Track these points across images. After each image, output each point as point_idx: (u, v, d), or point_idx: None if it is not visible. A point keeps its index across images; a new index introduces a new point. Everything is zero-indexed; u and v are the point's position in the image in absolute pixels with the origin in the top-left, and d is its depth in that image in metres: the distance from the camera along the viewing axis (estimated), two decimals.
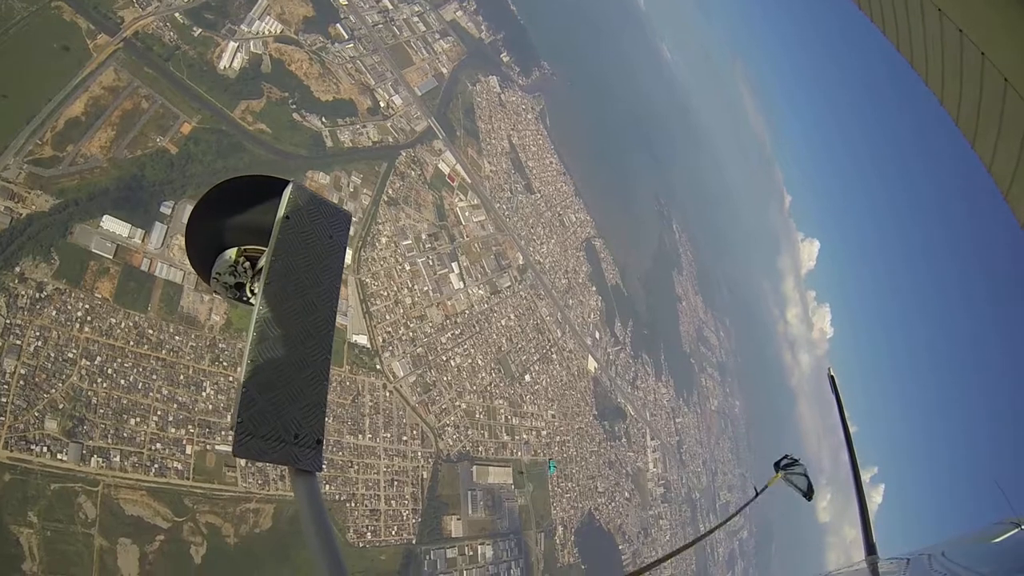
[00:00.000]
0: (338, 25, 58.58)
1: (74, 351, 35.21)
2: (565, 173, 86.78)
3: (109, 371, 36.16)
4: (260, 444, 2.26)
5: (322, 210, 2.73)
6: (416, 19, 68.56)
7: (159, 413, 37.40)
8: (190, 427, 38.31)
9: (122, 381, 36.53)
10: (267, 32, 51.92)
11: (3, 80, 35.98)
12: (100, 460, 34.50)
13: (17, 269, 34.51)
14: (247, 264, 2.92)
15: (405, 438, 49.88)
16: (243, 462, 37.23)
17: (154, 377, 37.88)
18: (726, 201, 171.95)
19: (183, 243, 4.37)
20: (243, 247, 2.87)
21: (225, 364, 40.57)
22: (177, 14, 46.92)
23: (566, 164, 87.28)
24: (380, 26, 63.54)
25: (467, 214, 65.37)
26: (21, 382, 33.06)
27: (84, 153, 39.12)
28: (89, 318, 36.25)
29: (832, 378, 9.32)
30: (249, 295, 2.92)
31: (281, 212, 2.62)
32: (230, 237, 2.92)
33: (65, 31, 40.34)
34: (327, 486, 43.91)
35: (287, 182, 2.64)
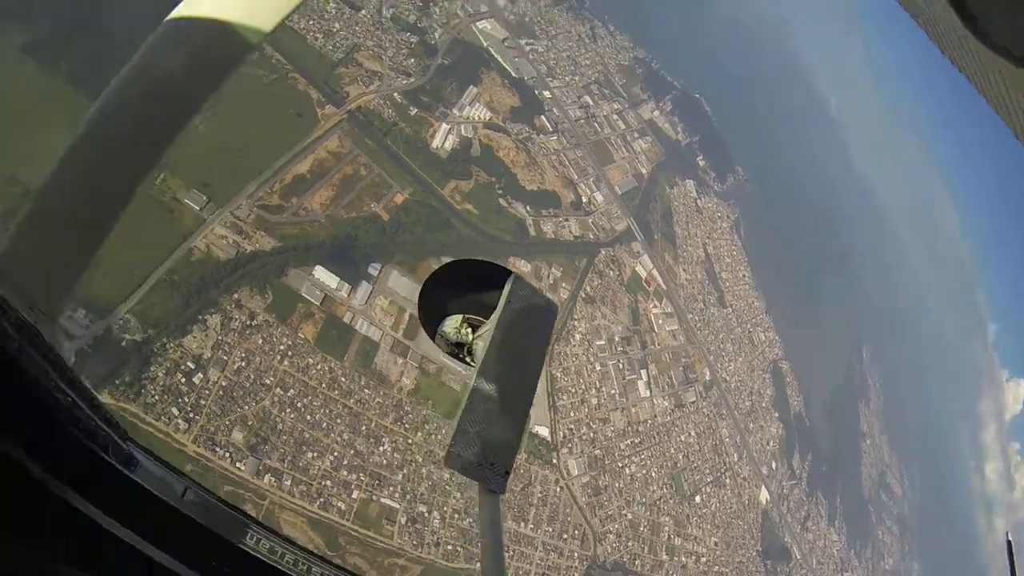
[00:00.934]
0: (543, 117, 56.96)
1: (271, 379, 38.32)
2: (757, 288, 79.19)
3: (299, 404, 38.88)
4: (464, 461, 2.63)
5: (535, 300, 3.11)
6: (616, 117, 66.18)
7: (335, 454, 39.58)
8: (361, 475, 40.14)
9: (308, 416, 39.08)
10: (477, 118, 51.06)
11: (246, 134, 40.53)
12: (272, 479, 37.10)
13: (235, 296, 38.40)
14: (468, 330, 3.29)
15: (565, 536, 48.89)
16: (403, 519, 40.47)
17: (338, 421, 40.03)
18: (920, 325, 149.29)
19: (416, 304, 3.34)
20: (467, 315, 3.30)
21: (406, 426, 42.00)
22: (396, 94, 47.49)
23: (758, 278, 79.94)
24: (582, 121, 61.43)
25: (660, 322, 60.32)
26: (220, 392, 36.49)
27: (306, 207, 42.10)
28: (290, 353, 39.19)
29: (1009, 543, 7.03)
30: (465, 356, 3.26)
31: (505, 295, 3.01)
32: (455, 305, 3.34)
33: (299, 99, 43.44)
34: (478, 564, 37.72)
35: (511, 272, 3.04)
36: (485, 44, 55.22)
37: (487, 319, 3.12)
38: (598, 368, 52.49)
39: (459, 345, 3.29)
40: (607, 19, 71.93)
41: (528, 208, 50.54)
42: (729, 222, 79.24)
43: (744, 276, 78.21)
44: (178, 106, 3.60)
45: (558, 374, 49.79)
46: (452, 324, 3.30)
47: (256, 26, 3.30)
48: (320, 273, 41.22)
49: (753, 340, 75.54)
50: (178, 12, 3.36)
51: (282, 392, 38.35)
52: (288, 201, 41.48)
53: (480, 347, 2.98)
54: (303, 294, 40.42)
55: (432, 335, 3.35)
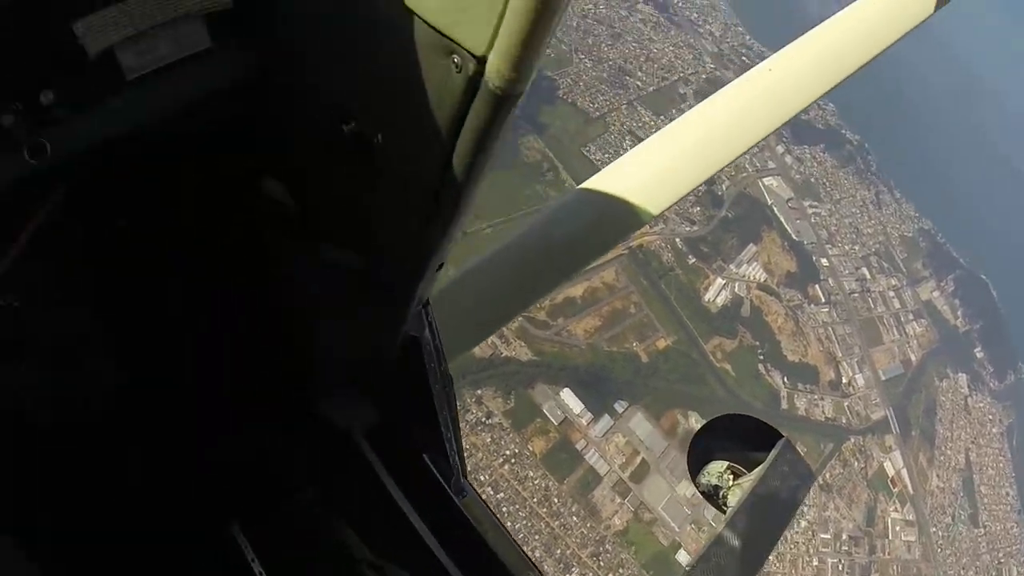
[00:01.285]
0: (817, 286, 55.13)
1: (486, 476, 39.32)
2: (1020, 512, 66.03)
3: (504, 509, 39.33)
4: None
5: (798, 468, 3.07)
6: (892, 294, 61.58)
7: None
8: None
9: (509, 522, 38.59)
10: (752, 277, 50.96)
11: None
12: None
13: (479, 392, 40.32)
14: (730, 476, 3.33)
15: None
16: None
17: (535, 536, 40.04)
18: None
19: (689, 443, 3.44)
20: (731, 464, 3.31)
21: (601, 563, 41.00)
22: (678, 240, 49.27)
23: None
24: (856, 295, 58.25)
25: (897, 528, 53.21)
26: None
27: (570, 330, 43.73)
28: (513, 460, 40.22)
29: None
30: (720, 500, 3.30)
31: (773, 455, 3.01)
32: (723, 452, 3.35)
33: None
34: None
35: (782, 436, 3.07)
36: (769, 202, 55.48)
37: (749, 472, 3.22)
38: (815, 563, 47.67)
39: (716, 488, 3.41)
40: (893, 184, 68.19)
41: (785, 379, 48.62)
42: (1001, 428, 67.80)
43: (1007, 495, 65.66)
44: (565, 265, 3.96)
45: (771, 556, 45.52)
46: (717, 468, 3.41)
47: (649, 209, 3.50)
48: (567, 395, 42.17)
49: (1002, 574, 62.29)
50: (589, 184, 3.69)
51: (492, 492, 39.26)
52: (555, 320, 43.41)
53: (737, 497, 3.09)
54: (544, 410, 41.39)
55: (695, 472, 3.48)
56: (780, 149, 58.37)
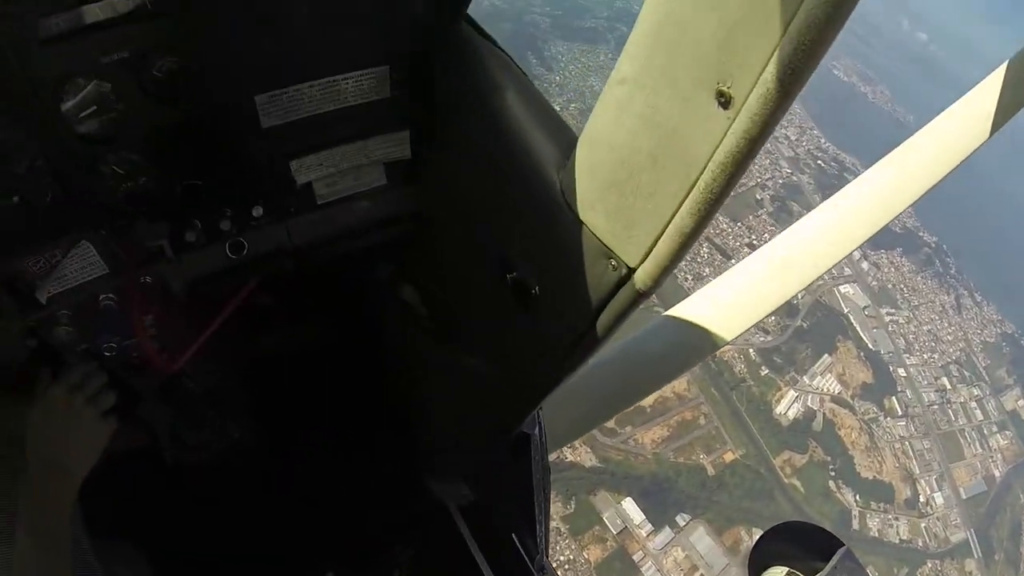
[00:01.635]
0: (894, 398, 53.60)
1: None
2: None
3: None
4: None
5: (858, 574, 2.90)
6: (974, 404, 59.11)
7: None
8: None
9: None
10: (825, 390, 50.04)
11: None
12: None
13: None
14: None
15: None
16: None
17: None
18: None
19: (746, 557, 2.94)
20: (791, 570, 3.12)
21: None
22: (751, 350, 48.90)
23: None
24: (935, 407, 56.19)
25: None
26: None
27: (636, 438, 43.33)
28: (567, 566, 39.14)
29: None
30: None
31: (833, 563, 2.83)
32: (784, 557, 3.16)
33: None
34: None
35: (843, 544, 2.90)
36: (845, 310, 55.00)
37: None
38: None
39: None
40: (974, 286, 66.39)
41: (857, 497, 46.99)
42: None
43: None
44: (646, 385, 4.16)
45: None
46: (776, 573, 3.33)
47: (723, 334, 3.61)
48: (628, 505, 41.48)
49: None
50: (673, 312, 3.90)
51: None
52: (622, 428, 43.12)
53: None
54: (604, 518, 40.75)
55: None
56: (856, 255, 57.97)
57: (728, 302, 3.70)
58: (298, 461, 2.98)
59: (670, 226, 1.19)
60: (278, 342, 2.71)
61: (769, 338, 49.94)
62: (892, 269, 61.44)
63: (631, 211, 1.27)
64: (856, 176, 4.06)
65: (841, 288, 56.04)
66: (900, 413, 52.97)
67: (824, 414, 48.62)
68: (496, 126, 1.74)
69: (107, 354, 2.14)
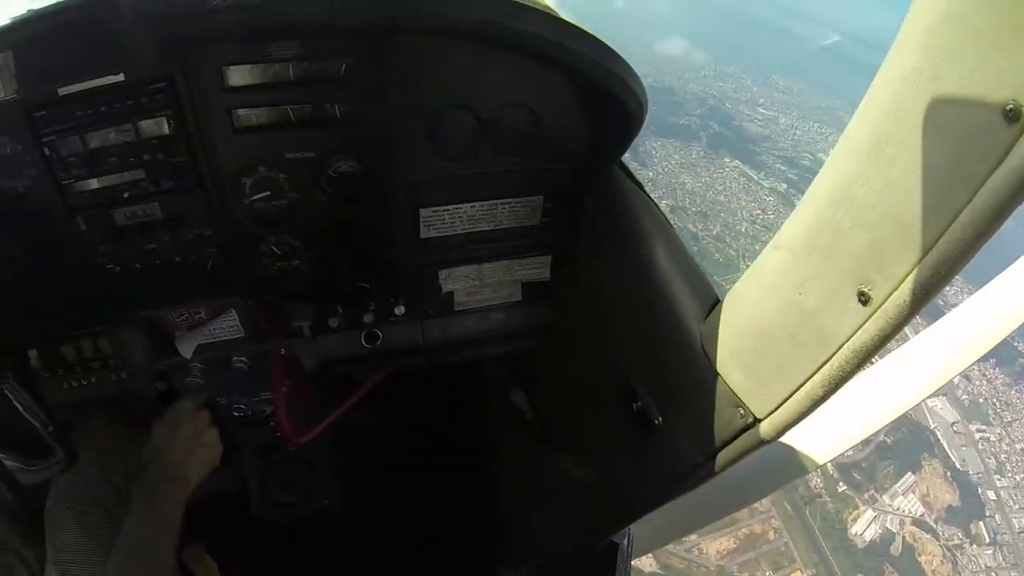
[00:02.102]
0: (981, 523, 51.63)
1: None
2: None
3: None
4: None
5: None
6: None
7: None
8: None
9: None
10: (907, 511, 49.07)
11: None
12: None
13: None
14: None
15: None
16: None
17: None
18: None
19: None
20: None
21: None
22: (829, 464, 47.43)
23: None
24: None
25: None
26: None
27: (701, 547, 42.38)
28: None
29: None
30: None
31: None
32: None
33: None
34: None
35: None
36: (932, 425, 54.10)
37: None
38: None
39: None
40: None
41: None
42: None
43: None
44: (729, 504, 4.17)
45: None
46: None
47: (816, 458, 3.51)
48: None
49: None
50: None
51: None
52: (687, 535, 41.56)
53: None
54: None
55: None
56: None
57: (825, 425, 3.59)
58: (379, 536, 2.97)
59: (801, 390, 1.26)
60: (385, 420, 2.71)
61: (850, 452, 47.89)
62: (984, 382, 59.59)
63: (766, 372, 1.35)
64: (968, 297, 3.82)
65: (929, 402, 54.89)
66: (988, 540, 50.89)
67: (904, 537, 47.61)
68: (638, 269, 1.84)
69: (235, 414, 2.35)
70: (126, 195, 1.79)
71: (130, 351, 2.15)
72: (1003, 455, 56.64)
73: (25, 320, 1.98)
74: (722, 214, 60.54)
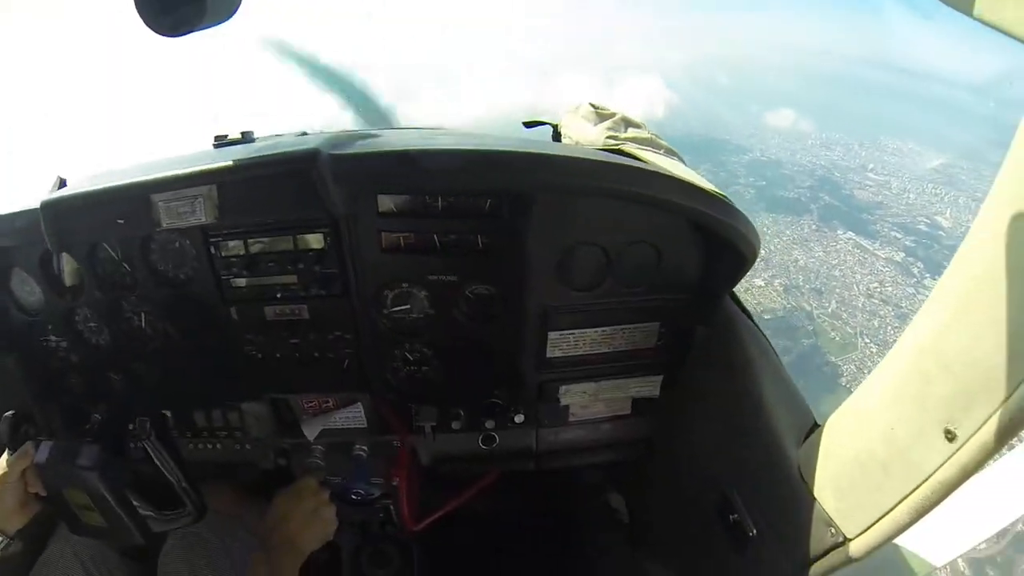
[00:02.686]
0: None
1: None
2: None
3: None
4: None
5: None
6: None
7: None
8: None
9: None
10: None
11: None
12: None
13: None
14: None
15: None
16: None
17: None
18: None
19: None
20: None
21: None
22: (960, 561, 43.58)
23: None
24: None
25: None
26: None
27: None
28: None
29: None
30: None
31: None
32: None
33: None
34: None
35: None
36: None
37: None
38: None
39: None
40: None
41: None
42: None
43: None
44: None
45: None
46: None
47: (930, 560, 3.14)
48: None
49: None
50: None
51: None
52: None
53: None
54: None
55: None
56: None
57: (936, 526, 3.05)
58: None
59: (889, 515, 1.30)
60: (482, 509, 2.68)
61: (983, 546, 44.48)
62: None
63: (858, 496, 1.38)
64: None
65: None
66: None
67: None
68: (742, 393, 1.89)
69: (352, 496, 2.39)
70: (278, 295, 1.96)
71: (256, 426, 2.31)
72: None
73: (170, 387, 2.17)
74: (837, 289, 58.42)
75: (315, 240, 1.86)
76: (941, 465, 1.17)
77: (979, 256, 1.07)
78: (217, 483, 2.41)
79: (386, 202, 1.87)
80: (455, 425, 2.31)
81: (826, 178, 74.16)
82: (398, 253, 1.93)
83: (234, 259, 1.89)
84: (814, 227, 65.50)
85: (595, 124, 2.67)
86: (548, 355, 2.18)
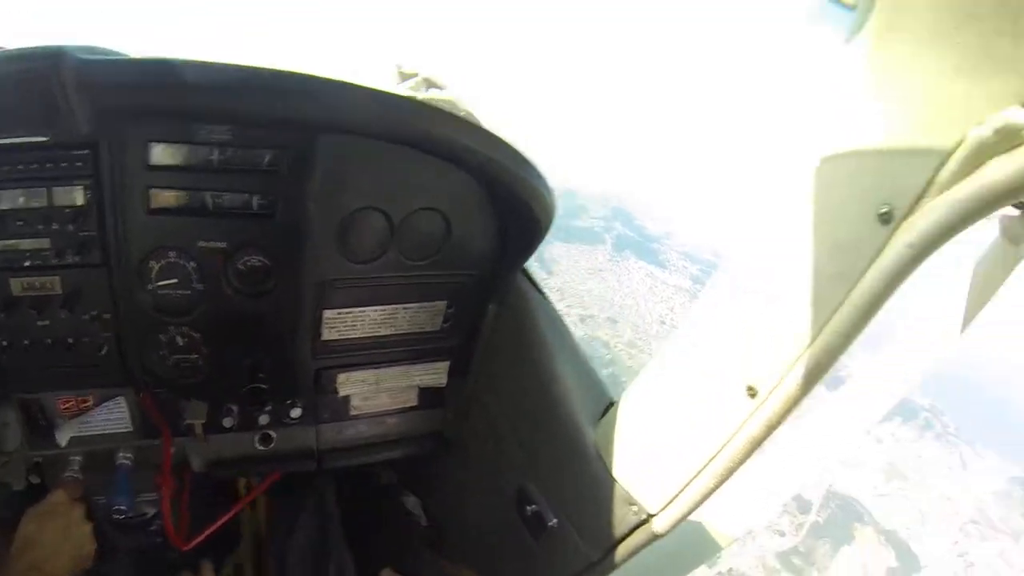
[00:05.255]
0: None
1: None
2: None
3: None
4: None
5: None
6: (1000, 560, 58.78)
7: None
8: None
9: None
10: None
11: None
12: None
13: None
14: None
15: None
16: None
17: None
18: None
19: None
20: None
21: None
22: (768, 555, 48.40)
23: None
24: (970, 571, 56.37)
25: None
26: None
27: None
28: None
29: None
30: None
31: None
32: None
33: None
34: None
35: None
36: (856, 494, 56.28)
37: None
38: None
39: None
40: (975, 439, 68.21)
41: None
42: None
43: None
44: None
45: None
46: None
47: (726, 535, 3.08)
48: None
49: None
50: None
51: None
52: None
53: None
54: None
55: None
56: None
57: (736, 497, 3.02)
58: None
59: (691, 484, 1.32)
60: (272, 520, 2.62)
61: (785, 540, 49.47)
62: (894, 441, 63.26)
63: (658, 469, 1.40)
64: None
65: (849, 472, 57.45)
66: None
67: None
68: (536, 376, 1.89)
69: (114, 516, 2.06)
70: (27, 264, 1.68)
71: (4, 437, 1.99)
72: (924, 503, 59.73)
73: None
74: (631, 318, 60.83)
75: (72, 195, 1.61)
76: (745, 422, 1.19)
77: (774, 202, 1.10)
78: None
79: (159, 154, 1.65)
80: (227, 423, 2.11)
81: (620, 209, 76.52)
82: (166, 215, 1.71)
83: None
84: (607, 257, 67.35)
85: (397, 85, 2.52)
86: (324, 337, 2.04)
